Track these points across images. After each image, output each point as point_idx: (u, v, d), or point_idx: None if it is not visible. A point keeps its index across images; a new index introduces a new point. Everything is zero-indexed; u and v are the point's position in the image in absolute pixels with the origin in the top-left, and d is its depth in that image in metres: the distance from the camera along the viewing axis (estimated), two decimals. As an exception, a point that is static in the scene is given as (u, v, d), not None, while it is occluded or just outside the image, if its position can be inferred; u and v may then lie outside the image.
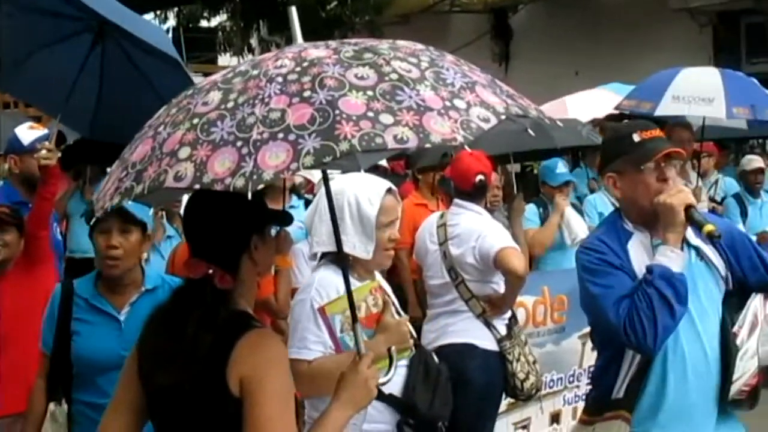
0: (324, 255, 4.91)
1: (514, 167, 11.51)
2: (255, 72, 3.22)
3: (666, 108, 10.08)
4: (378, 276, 5.11)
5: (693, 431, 4.44)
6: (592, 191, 10.85)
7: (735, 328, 4.39)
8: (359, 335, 3.84)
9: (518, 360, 6.96)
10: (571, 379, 9.10)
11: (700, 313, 4.40)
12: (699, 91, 10.04)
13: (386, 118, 2.94)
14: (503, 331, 7.03)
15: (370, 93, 3.02)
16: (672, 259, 4.25)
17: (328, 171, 3.86)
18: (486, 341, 6.93)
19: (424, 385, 4.82)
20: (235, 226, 3.48)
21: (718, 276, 4.52)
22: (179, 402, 3.38)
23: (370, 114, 2.95)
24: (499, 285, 7.09)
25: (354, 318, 3.88)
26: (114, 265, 4.87)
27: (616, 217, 4.62)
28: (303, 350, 4.63)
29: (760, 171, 12.21)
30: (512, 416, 8.34)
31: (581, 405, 9.17)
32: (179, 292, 3.54)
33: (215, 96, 3.17)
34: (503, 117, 3.11)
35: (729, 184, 13.08)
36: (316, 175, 8.52)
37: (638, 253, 4.44)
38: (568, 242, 9.51)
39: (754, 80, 10.73)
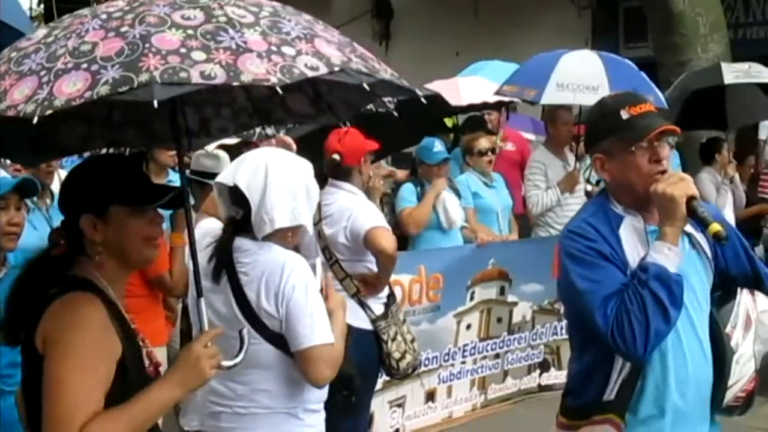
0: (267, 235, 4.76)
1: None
2: (86, 12, 3.27)
3: (551, 96, 10.19)
4: None
5: None
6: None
7: (728, 329, 4.04)
8: (202, 311, 3.73)
9: (394, 339, 6.93)
10: (446, 357, 9.15)
11: (696, 309, 4.03)
12: (583, 79, 10.17)
13: (198, 55, 2.98)
14: (379, 310, 7.00)
15: (190, 32, 3.06)
16: (669, 257, 3.82)
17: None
18: (360, 321, 6.86)
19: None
20: (66, 208, 3.54)
21: (709, 267, 4.15)
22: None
23: (183, 50, 2.99)
24: (373, 264, 7.05)
25: (199, 293, 3.80)
26: (14, 239, 4.84)
27: (604, 200, 4.16)
28: (328, 334, 4.56)
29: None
30: (388, 394, 8.36)
31: (456, 383, 9.30)
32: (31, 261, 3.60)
33: (41, 32, 3.23)
34: (336, 69, 3.15)
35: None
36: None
37: (630, 240, 4.01)
38: (445, 226, 9.51)
39: (632, 63, 10.89)
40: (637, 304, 3.77)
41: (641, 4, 15.76)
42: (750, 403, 4.11)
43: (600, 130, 4.14)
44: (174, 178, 8.92)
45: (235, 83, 2.98)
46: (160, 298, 7.31)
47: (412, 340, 7.19)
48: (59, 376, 3.23)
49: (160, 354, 5.89)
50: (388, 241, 6.85)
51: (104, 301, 3.41)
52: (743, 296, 4.14)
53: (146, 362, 3.55)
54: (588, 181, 12.32)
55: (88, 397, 3.25)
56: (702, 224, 3.92)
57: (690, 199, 3.85)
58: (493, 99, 12.24)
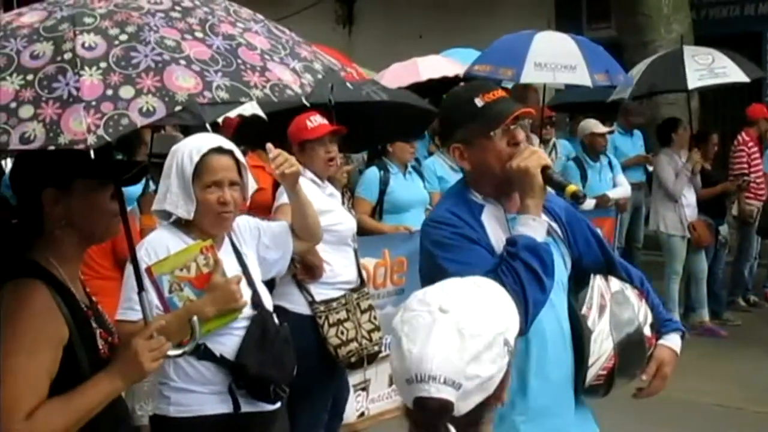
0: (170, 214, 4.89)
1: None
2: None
3: (530, 75, 10.17)
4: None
5: (557, 423, 4.04)
6: (431, 154, 10.86)
7: (584, 310, 4.05)
8: (145, 304, 3.67)
9: (334, 325, 6.74)
10: (411, 340, 9.11)
11: (555, 292, 3.99)
12: (560, 58, 10.17)
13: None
14: (327, 295, 6.80)
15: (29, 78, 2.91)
16: (534, 228, 3.86)
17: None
18: (297, 305, 6.72)
19: (258, 347, 4.78)
20: (23, 180, 3.49)
21: (567, 253, 4.18)
22: None
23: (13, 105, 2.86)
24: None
25: (140, 287, 3.70)
26: None
27: (463, 188, 4.14)
28: (128, 311, 4.52)
29: (605, 134, 12.40)
30: (352, 378, 8.30)
31: (420, 367, 9.27)
32: None
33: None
34: (178, 108, 2.93)
35: (566, 147, 13.27)
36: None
37: (493, 227, 4.00)
38: None
39: (599, 46, 10.91)
40: (512, 277, 3.74)
41: (604, -16, 15.83)
42: (611, 382, 4.08)
43: (456, 120, 4.08)
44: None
45: (51, 147, 2.78)
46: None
47: (372, 330, 7.03)
48: (9, 367, 3.21)
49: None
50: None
51: (52, 285, 3.38)
52: (596, 280, 4.15)
53: (101, 344, 3.51)
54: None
55: (31, 385, 3.24)
56: (559, 188, 3.96)
57: (544, 169, 3.89)
58: (452, 73, 12.21)
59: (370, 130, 8.65)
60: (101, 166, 3.38)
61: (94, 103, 2.80)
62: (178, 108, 2.85)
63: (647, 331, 4.15)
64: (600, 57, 10.53)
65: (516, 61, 10.25)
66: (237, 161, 4.88)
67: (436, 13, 20.90)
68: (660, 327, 4.27)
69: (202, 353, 4.71)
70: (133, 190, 7.11)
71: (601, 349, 4.03)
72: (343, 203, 7.54)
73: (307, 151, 6.89)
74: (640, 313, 4.16)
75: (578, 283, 4.17)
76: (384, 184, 9.55)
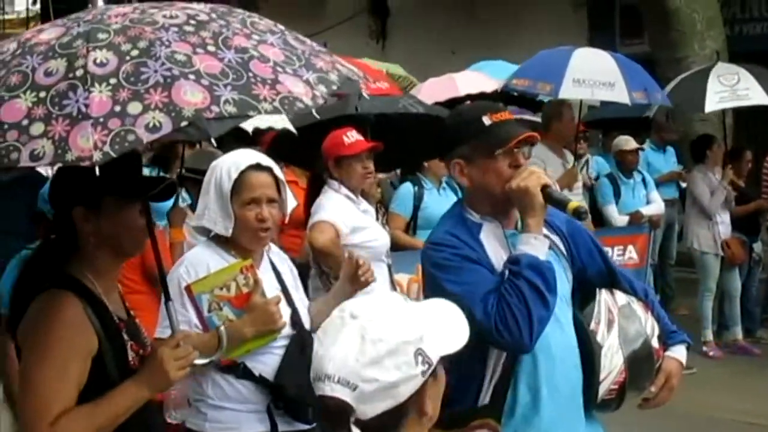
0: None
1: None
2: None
3: (568, 91, 10.12)
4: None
5: None
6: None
7: (592, 325, 4.12)
8: (172, 312, 3.78)
9: None
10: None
11: (560, 307, 4.04)
12: (598, 75, 10.14)
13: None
14: None
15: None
16: (536, 246, 3.91)
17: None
18: None
19: (297, 368, 4.69)
20: (57, 202, 3.60)
21: (568, 267, 4.23)
22: None
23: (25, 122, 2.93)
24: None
25: (167, 297, 3.81)
26: None
27: (460, 209, 4.20)
28: (167, 330, 4.48)
29: (636, 151, 12.37)
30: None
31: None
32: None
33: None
34: (184, 123, 2.97)
35: (600, 164, 13.26)
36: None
37: (492, 244, 4.06)
38: None
39: (638, 64, 10.88)
40: (516, 296, 3.81)
41: (637, 1, 15.80)
42: (623, 396, 4.15)
43: (460, 136, 4.13)
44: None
45: (59, 164, 2.90)
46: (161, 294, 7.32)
47: None
48: (30, 373, 3.34)
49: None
50: (319, 233, 6.61)
51: (84, 297, 3.47)
52: (602, 295, 4.22)
53: (131, 356, 3.58)
54: (591, 177, 12.39)
55: (57, 394, 3.33)
56: (560, 206, 4.02)
57: (544, 188, 3.94)
58: (489, 89, 12.21)
59: (404, 146, 8.67)
60: (130, 184, 3.48)
61: (101, 119, 2.86)
62: (184, 123, 2.91)
63: (655, 343, 4.24)
64: (638, 75, 10.49)
65: (555, 76, 10.23)
66: (276, 178, 4.85)
67: (470, 28, 20.91)
68: (666, 339, 4.34)
69: (242, 372, 4.67)
70: (165, 205, 7.15)
71: (612, 363, 4.11)
72: (377, 219, 7.57)
73: (343, 167, 6.92)
74: (647, 325, 4.23)
75: (584, 298, 4.24)
76: (418, 199, 9.59)
